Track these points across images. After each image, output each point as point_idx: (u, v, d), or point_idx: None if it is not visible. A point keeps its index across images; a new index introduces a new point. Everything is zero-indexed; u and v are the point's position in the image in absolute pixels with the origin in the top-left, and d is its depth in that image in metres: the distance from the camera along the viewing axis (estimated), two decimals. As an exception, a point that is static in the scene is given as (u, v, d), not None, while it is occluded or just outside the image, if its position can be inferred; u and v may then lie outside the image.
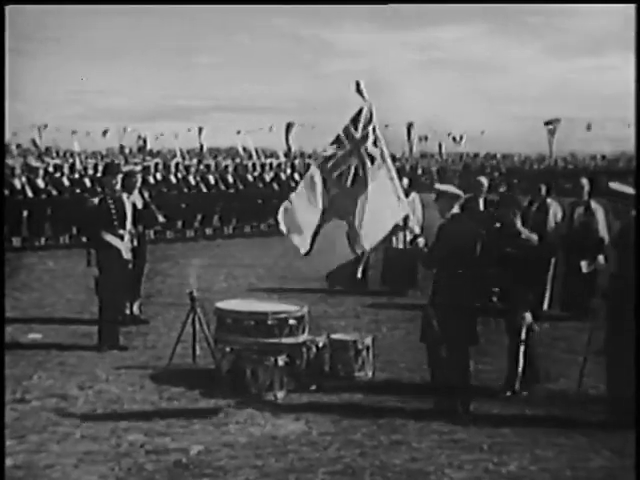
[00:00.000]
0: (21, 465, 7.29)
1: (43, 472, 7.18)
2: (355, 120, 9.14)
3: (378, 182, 9.03)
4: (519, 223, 9.66)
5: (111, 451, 7.67)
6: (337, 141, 9.16)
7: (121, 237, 11.43)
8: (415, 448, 7.82)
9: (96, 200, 11.61)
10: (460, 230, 9.05)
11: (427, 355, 9.19)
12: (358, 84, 9.14)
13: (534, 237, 9.70)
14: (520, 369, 9.49)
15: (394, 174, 9.12)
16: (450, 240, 8.92)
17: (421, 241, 9.19)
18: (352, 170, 9.06)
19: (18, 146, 50.14)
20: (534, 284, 9.51)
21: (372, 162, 9.08)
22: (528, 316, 9.36)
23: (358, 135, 9.09)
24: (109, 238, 11.33)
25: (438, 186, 9.75)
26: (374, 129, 9.10)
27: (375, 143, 9.08)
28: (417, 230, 15.55)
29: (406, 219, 15.56)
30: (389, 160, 9.16)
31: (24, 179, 22.13)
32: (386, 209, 9.05)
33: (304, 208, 9.00)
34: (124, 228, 11.48)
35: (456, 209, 9.23)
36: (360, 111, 9.15)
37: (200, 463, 7.42)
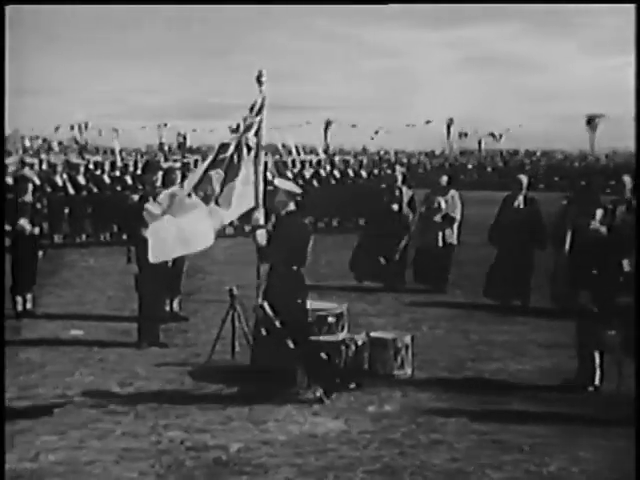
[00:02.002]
0: (62, 461, 7.35)
1: (84, 468, 7.23)
2: (252, 109, 9.49)
3: (248, 171, 9.40)
4: (596, 217, 9.72)
5: (151, 448, 7.71)
6: (238, 129, 9.54)
7: None
8: (455, 448, 7.79)
9: (136, 197, 11.66)
10: (296, 230, 9.36)
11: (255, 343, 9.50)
12: (260, 74, 9.42)
13: (603, 229, 9.70)
14: (597, 363, 9.62)
15: (261, 168, 9.49)
16: (283, 237, 9.17)
17: (260, 233, 9.33)
18: (228, 157, 9.38)
19: (60, 143, 50.56)
20: (604, 276, 9.50)
21: (249, 152, 9.46)
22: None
23: (246, 123, 9.46)
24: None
25: (277, 182, 9.89)
26: (261, 120, 9.47)
27: (257, 133, 9.43)
28: (455, 229, 15.57)
29: (444, 217, 15.67)
30: (262, 154, 9.56)
31: (65, 176, 22.31)
32: (244, 197, 9.41)
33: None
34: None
35: (292, 206, 9.44)
36: (255, 102, 9.51)
37: (240, 460, 7.44)
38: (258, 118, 9.53)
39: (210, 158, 9.54)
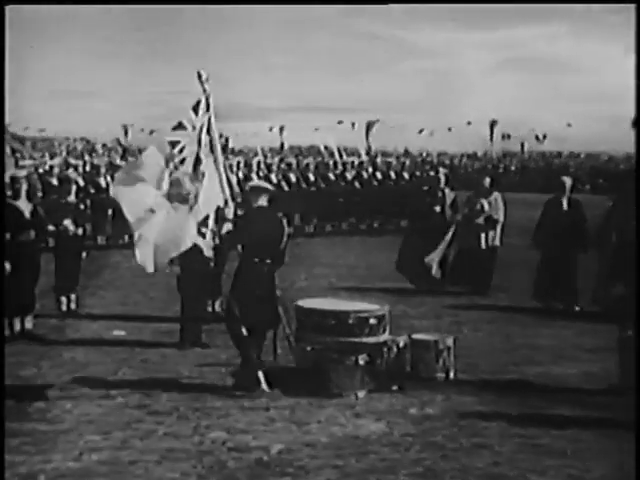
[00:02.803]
0: (105, 461, 7.39)
1: (127, 468, 7.27)
2: (195, 109, 10.03)
3: (209, 169, 9.97)
4: None
5: (193, 448, 7.74)
6: (180, 127, 10.06)
7: (203, 235, 11.48)
8: (497, 452, 7.74)
9: None
10: (263, 221, 9.64)
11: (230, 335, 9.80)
12: (199, 74, 9.97)
13: None
14: None
15: (221, 165, 10.10)
16: (252, 230, 9.52)
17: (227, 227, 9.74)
18: (194, 156, 9.93)
19: (103, 145, 50.93)
20: None
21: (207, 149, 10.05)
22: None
23: (198, 124, 9.99)
24: None
25: (251, 183, 10.65)
26: (209, 118, 10.02)
27: (208, 131, 10.00)
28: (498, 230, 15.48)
29: (487, 219, 15.60)
30: (218, 149, 10.12)
31: (109, 178, 22.45)
32: (210, 196, 9.95)
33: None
34: (206, 226, 11.52)
35: (264, 201, 9.71)
36: (199, 101, 10.03)
37: (281, 462, 7.44)
38: (206, 116, 10.05)
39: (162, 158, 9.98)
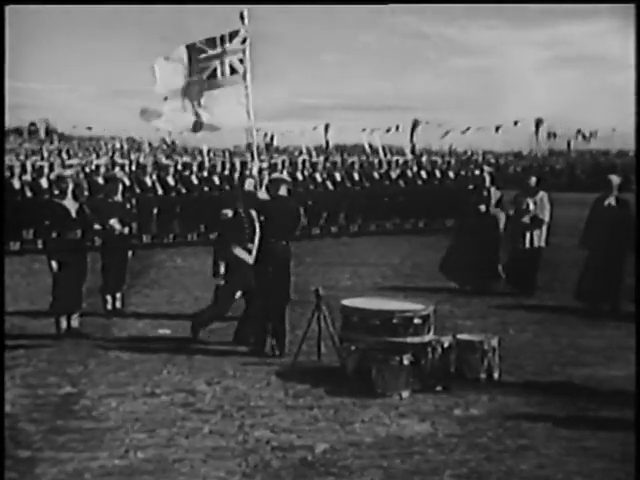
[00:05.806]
0: (151, 459, 7.44)
1: (172, 466, 7.31)
2: (232, 35, 11.61)
3: (230, 89, 11.80)
4: None
5: (238, 447, 7.76)
6: (210, 41, 11.67)
7: (249, 251, 11.32)
8: (542, 454, 7.68)
9: (230, 213, 11.53)
10: (280, 207, 11.27)
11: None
12: (242, 14, 11.67)
13: None
14: None
15: (249, 96, 11.87)
16: (272, 214, 11.07)
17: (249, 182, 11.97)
18: (211, 69, 11.61)
19: (149, 144, 51.24)
20: None
21: (231, 72, 11.73)
22: None
23: (229, 46, 11.64)
24: (237, 252, 11.27)
25: (273, 175, 12.55)
26: (244, 51, 11.75)
27: (241, 61, 11.69)
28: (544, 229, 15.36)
29: (533, 218, 15.46)
30: (248, 83, 11.84)
31: (154, 177, 22.58)
32: (231, 113, 11.94)
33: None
34: (252, 242, 11.32)
35: (283, 191, 11.36)
36: (238, 31, 11.66)
37: (326, 461, 7.43)
38: (242, 47, 11.71)
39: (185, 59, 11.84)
